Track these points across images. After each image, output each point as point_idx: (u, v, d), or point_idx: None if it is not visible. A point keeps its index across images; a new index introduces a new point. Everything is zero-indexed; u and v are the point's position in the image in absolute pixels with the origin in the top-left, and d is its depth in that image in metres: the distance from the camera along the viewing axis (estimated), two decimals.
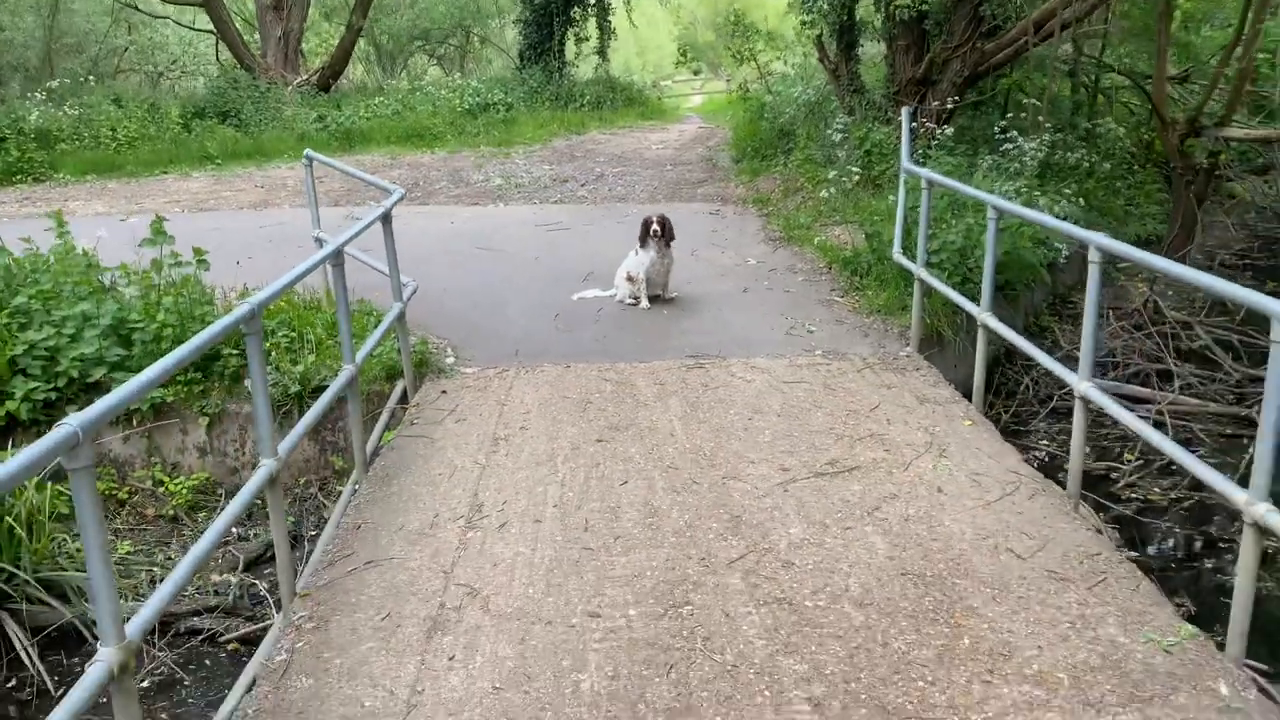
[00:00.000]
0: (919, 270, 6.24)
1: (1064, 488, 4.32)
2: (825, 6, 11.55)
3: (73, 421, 2.24)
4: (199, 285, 6.13)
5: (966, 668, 3.03)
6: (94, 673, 2.29)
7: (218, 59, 25.11)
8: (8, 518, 4.45)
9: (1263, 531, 2.95)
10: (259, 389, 3.44)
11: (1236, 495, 3.05)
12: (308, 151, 7.40)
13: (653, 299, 7.30)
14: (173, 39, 31.15)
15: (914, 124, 10.57)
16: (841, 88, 12.12)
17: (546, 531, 3.99)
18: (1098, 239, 4.01)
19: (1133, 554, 4.61)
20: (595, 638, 3.25)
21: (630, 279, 7.26)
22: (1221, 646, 3.13)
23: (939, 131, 10.40)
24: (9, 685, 4.31)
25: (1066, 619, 3.28)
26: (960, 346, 6.59)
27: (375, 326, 5.54)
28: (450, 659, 3.17)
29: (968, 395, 5.51)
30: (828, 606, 3.39)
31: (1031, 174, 9.65)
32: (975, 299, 5.51)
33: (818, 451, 4.69)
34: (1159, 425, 6.62)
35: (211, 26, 21.95)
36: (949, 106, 10.88)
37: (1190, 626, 3.22)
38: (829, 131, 10.87)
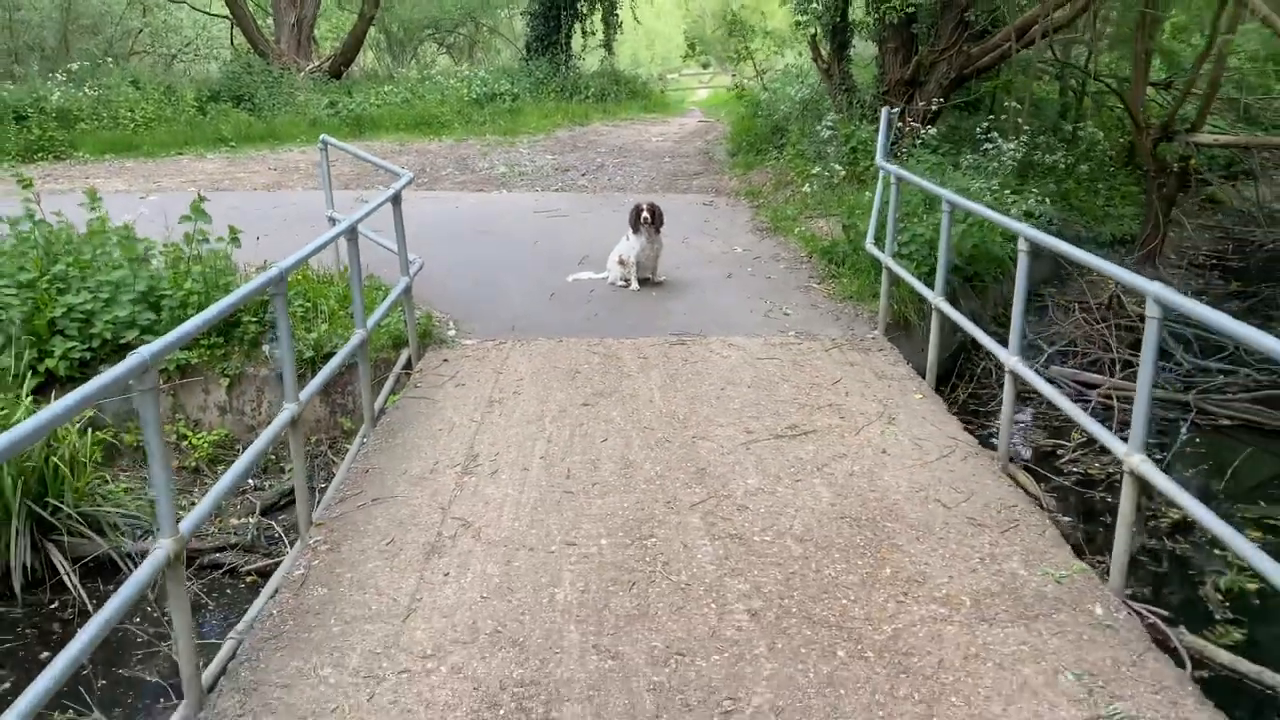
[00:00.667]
0: (887, 259, 6.75)
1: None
2: (819, 7, 12.02)
3: (143, 351, 2.77)
4: (227, 259, 6.65)
5: (885, 591, 3.56)
6: (154, 557, 2.81)
7: (232, 44, 25.61)
8: (54, 458, 4.98)
9: (1137, 478, 3.47)
10: (285, 342, 3.97)
11: (1117, 447, 3.58)
12: (323, 136, 7.92)
13: (642, 281, 7.82)
14: (186, 22, 31.63)
15: (901, 123, 11.11)
16: (834, 86, 12.61)
17: (533, 478, 4.52)
18: (1026, 230, 4.52)
19: (1059, 516, 5.13)
20: (570, 561, 3.78)
21: (622, 262, 7.78)
22: (1105, 579, 3.65)
23: (924, 131, 10.89)
24: (53, 606, 4.85)
25: (977, 555, 3.81)
26: (923, 330, 7.09)
27: (384, 299, 6.06)
28: (445, 575, 3.70)
29: (924, 374, 6.03)
30: (772, 541, 3.91)
31: (1008, 173, 10.12)
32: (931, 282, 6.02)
33: (780, 418, 5.21)
34: (1106, 407, 7.18)
35: (227, 11, 22.37)
36: (934, 107, 11.37)
37: (1081, 563, 3.75)
38: (819, 129, 11.36)
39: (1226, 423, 7.03)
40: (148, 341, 5.95)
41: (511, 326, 6.91)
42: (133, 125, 16.54)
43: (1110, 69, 13.93)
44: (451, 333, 6.78)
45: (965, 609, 3.44)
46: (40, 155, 15.16)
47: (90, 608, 4.78)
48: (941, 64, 11.67)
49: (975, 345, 8.08)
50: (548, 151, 15.26)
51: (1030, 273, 4.58)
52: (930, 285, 6.15)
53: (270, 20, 22.28)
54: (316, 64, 20.27)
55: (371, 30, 26.14)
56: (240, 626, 3.54)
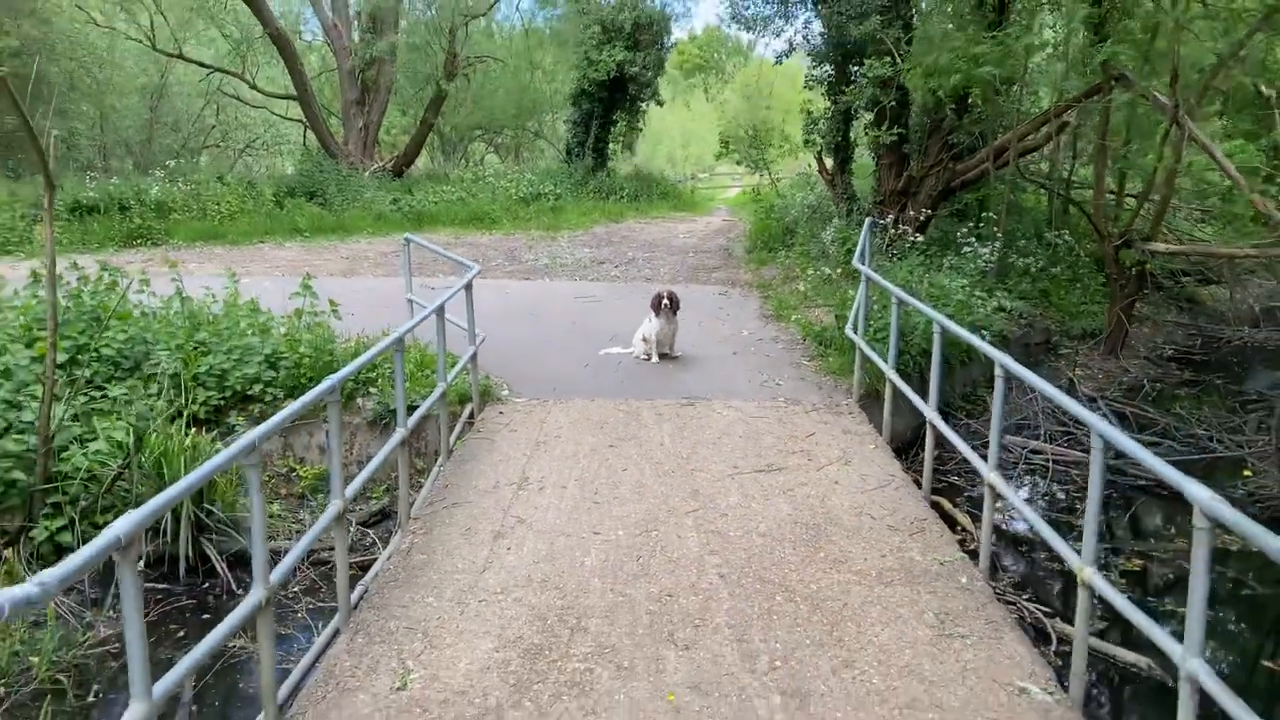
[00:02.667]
0: (860, 342, 8.33)
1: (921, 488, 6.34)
2: (824, 128, 13.89)
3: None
4: (329, 329, 8.37)
5: (817, 566, 5.05)
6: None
7: (305, 144, 28.10)
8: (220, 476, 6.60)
9: (993, 489, 4.97)
10: (400, 387, 5.61)
11: (981, 466, 5.08)
12: (407, 235, 9.74)
13: (661, 356, 9.44)
14: (257, 120, 34.55)
15: (895, 229, 12.82)
16: (837, 195, 14.41)
17: (570, 493, 6.07)
18: (940, 319, 6.10)
19: (965, 528, 6.58)
20: (596, 544, 5.31)
21: (644, 340, 9.43)
22: (977, 563, 5.12)
23: (913, 236, 12.58)
24: (205, 586, 6.41)
25: (888, 547, 5.29)
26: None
27: (452, 365, 7.70)
28: (507, 549, 5.24)
29: (882, 430, 7.55)
30: (742, 536, 5.42)
31: (983, 274, 11.74)
32: (907, 368, 7.58)
33: (760, 458, 6.74)
34: (1046, 469, 8.62)
35: (300, 114, 24.86)
36: (923, 216, 13.08)
37: (962, 554, 5.22)
38: (823, 233, 13.08)
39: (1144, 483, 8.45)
40: (273, 393, 7.67)
41: (553, 389, 8.53)
42: (219, 216, 18.70)
43: (1088, 182, 15.62)
44: (505, 392, 8.42)
45: (870, 577, 4.92)
46: (139, 241, 17.27)
47: (234, 587, 6.35)
48: (930, 178, 13.43)
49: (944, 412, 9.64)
50: (585, 245, 17.13)
51: (942, 350, 6.14)
52: (901, 365, 7.68)
53: (340, 123, 24.73)
54: (380, 164, 22.55)
55: None
56: (367, 578, 5.09)
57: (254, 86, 25.35)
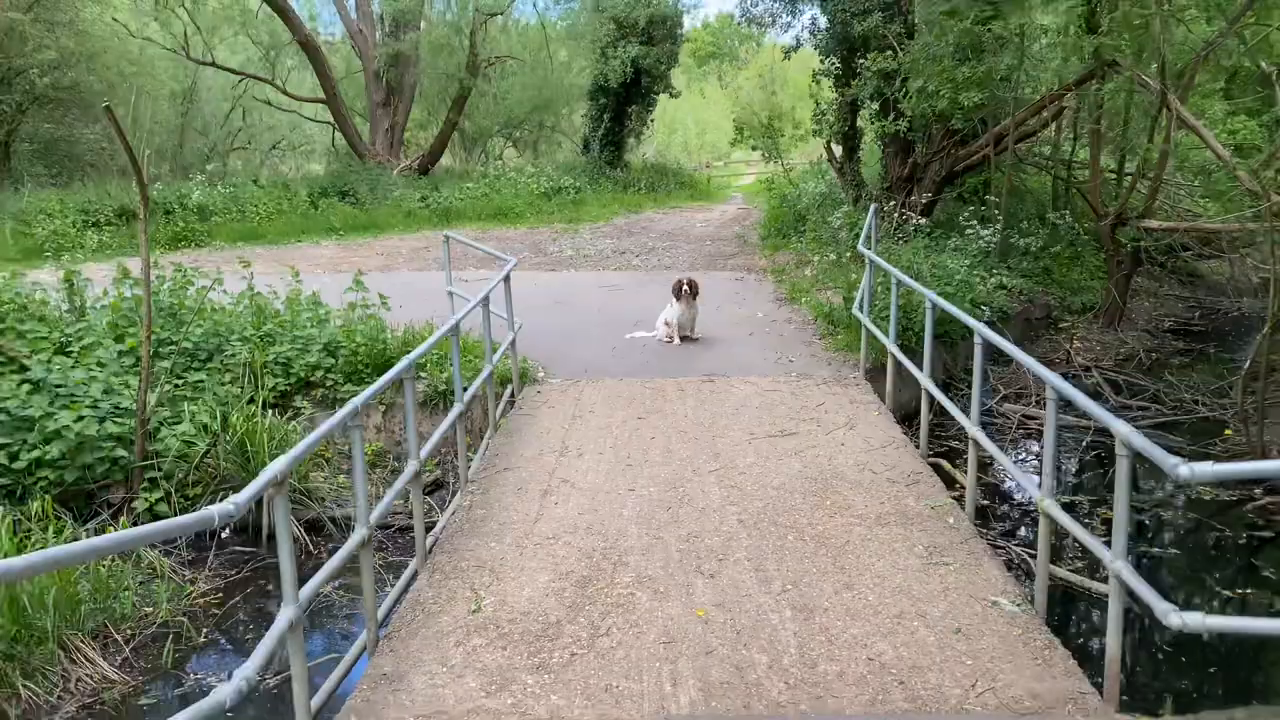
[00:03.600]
0: (865, 320, 9.07)
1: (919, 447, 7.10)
2: (832, 118, 14.59)
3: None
4: (380, 320, 9.21)
5: (823, 511, 5.82)
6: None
7: (333, 145, 29.02)
8: (285, 445, 7.45)
9: (975, 442, 5.72)
10: (456, 367, 6.41)
11: (965, 422, 5.84)
12: (447, 232, 10.56)
13: (683, 339, 10.22)
14: (283, 122, 35.52)
15: (900, 214, 13.52)
16: (845, 182, 15.11)
17: (605, 458, 6.88)
18: (931, 295, 6.84)
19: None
20: (631, 498, 6.11)
21: (666, 324, 10.21)
22: (964, 508, 5.88)
23: (917, 220, 13.28)
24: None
25: (886, 496, 6.06)
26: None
27: (493, 351, 8.50)
28: (554, 503, 6.05)
29: (885, 399, 8.30)
30: (758, 489, 6.20)
31: (985, 254, 12.44)
32: (910, 344, 8.32)
33: (774, 425, 7.52)
34: (1040, 434, 9.34)
35: (329, 117, 25.75)
36: (925, 200, 13.76)
37: (951, 500, 5.98)
38: (832, 219, 13.81)
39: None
40: (334, 379, 8.50)
41: (585, 370, 9.32)
42: (257, 218, 19.63)
43: (1088, 163, 16.22)
44: (541, 374, 9.22)
45: (869, 520, 5.69)
46: (183, 243, 18.21)
47: (312, 550, 7.20)
48: (934, 164, 14.12)
49: (948, 385, 10.38)
50: (607, 237, 17.91)
51: (933, 322, 6.89)
52: (906, 341, 8.42)
53: (366, 124, 25.60)
54: (407, 163, 23.41)
55: None
56: (436, 529, 5.92)
57: (284, 91, 26.20)
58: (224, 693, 3.06)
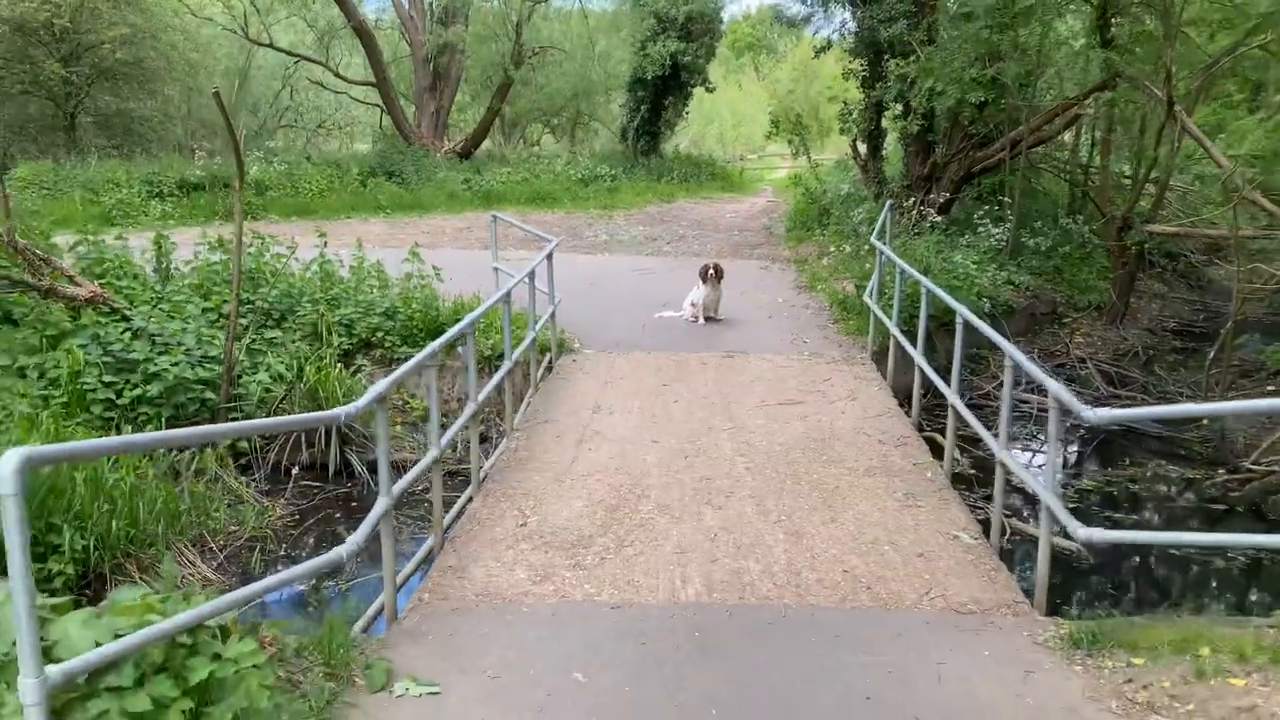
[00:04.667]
0: (874, 306, 9.95)
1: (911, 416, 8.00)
2: (857, 117, 15.41)
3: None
4: (433, 290, 10.20)
5: (819, 464, 6.74)
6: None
7: (380, 127, 30.13)
8: (352, 394, 8.46)
9: (954, 409, 6.61)
10: (506, 332, 7.38)
11: (946, 391, 6.73)
12: (493, 212, 11.53)
13: (707, 319, 11.13)
14: (330, 102, 36.68)
15: (919, 211, 14.33)
16: (869, 179, 15.93)
17: (633, 416, 7.82)
18: (925, 281, 7.72)
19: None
20: (654, 449, 7.05)
21: (693, 305, 11.13)
22: (941, 464, 6.78)
23: (934, 217, 14.09)
24: (349, 486, 8.29)
25: (875, 454, 6.96)
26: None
27: (535, 322, 9.47)
28: (588, 450, 7.01)
29: (887, 376, 9.19)
30: (765, 445, 7.13)
31: (995, 251, 13.23)
32: (914, 329, 9.18)
33: (784, 395, 8.43)
34: (1030, 415, 10.19)
35: (378, 100, 26.85)
36: (943, 198, 14.56)
37: (932, 459, 6.87)
38: (854, 214, 14.64)
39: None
40: (391, 340, 9.52)
41: (616, 343, 10.26)
42: (310, 194, 20.71)
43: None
44: (577, 345, 10.18)
45: (858, 472, 6.60)
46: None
47: (373, 486, 8.20)
48: (953, 164, 14.91)
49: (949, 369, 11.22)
50: (640, 224, 18.83)
51: (928, 304, 7.78)
52: (911, 328, 9.27)
53: (413, 107, 26.67)
54: (450, 146, 24.44)
55: None
56: (487, 465, 6.91)
57: (337, 74, 27.32)
58: (340, 552, 4.06)
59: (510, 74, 24.75)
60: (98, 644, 2.87)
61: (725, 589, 4.89)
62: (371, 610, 4.80)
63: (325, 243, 10.49)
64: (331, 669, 3.83)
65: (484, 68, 27.17)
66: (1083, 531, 4.27)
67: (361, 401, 4.24)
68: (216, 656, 3.18)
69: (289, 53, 27.05)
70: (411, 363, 5.15)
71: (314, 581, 6.35)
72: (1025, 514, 7.43)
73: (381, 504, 4.51)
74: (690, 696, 3.92)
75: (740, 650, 4.31)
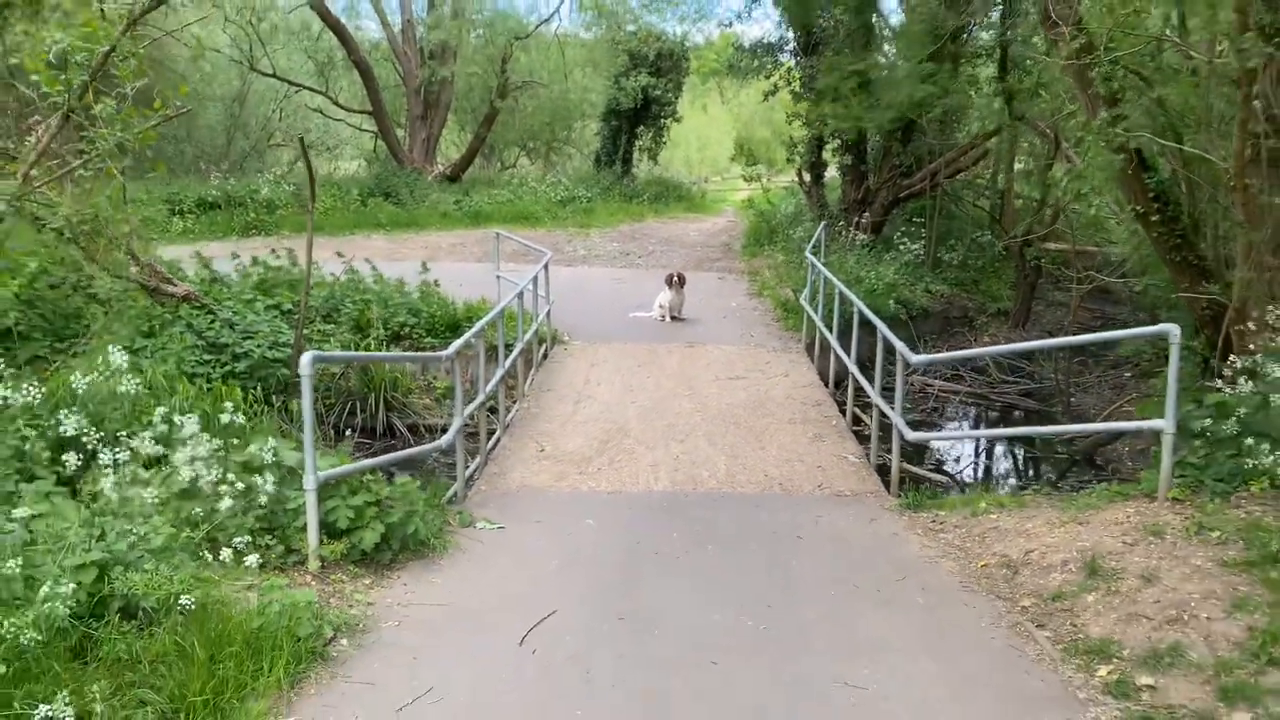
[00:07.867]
0: (807, 307, 12.41)
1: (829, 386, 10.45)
2: (803, 150, 17.95)
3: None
4: (444, 294, 12.52)
5: (756, 417, 9.14)
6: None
7: (375, 150, 32.30)
8: (401, 378, 10.75)
9: (852, 375, 9.05)
10: (520, 327, 9.73)
11: (846, 360, 9.17)
12: (497, 230, 13.87)
13: (673, 318, 13.52)
14: (318, 125, 38.75)
15: (851, 231, 16.86)
16: (812, 203, 18.47)
17: (615, 386, 10.18)
18: (838, 284, 10.17)
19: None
20: (632, 407, 9.41)
21: (661, 306, 13.53)
22: (844, 417, 9.20)
23: (865, 236, 16.63)
24: (392, 441, 10.55)
25: (798, 411, 9.37)
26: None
27: (533, 320, 11.78)
28: (583, 407, 9.37)
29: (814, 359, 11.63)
30: (717, 405, 9.51)
31: (912, 264, 15.78)
32: (842, 327, 11.67)
33: (733, 373, 10.84)
34: (939, 399, 12.70)
35: (371, 126, 29.06)
36: (875, 221, 17.11)
37: (840, 415, 9.30)
38: (795, 232, 17.14)
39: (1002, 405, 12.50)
40: (417, 333, 11.85)
41: (599, 336, 12.62)
42: (317, 212, 22.82)
43: (1017, 192, 19.60)
44: (567, 338, 12.53)
45: (783, 421, 9.01)
46: (254, 232, 21.40)
47: (413, 446, 10.48)
48: (883, 191, 17.48)
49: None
50: (613, 241, 21.23)
51: (859, 330, 10.24)
52: (836, 323, 11.74)
53: (405, 133, 28.94)
54: (440, 169, 26.72)
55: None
56: (509, 416, 9.23)
57: (337, 103, 29.51)
58: (439, 442, 6.39)
59: (496, 104, 27.10)
60: (332, 467, 5.20)
61: (684, 484, 7.28)
62: (448, 494, 7.11)
63: (350, 258, 12.78)
64: (441, 510, 6.16)
65: (471, 99, 29.51)
66: (912, 434, 6.70)
67: (453, 347, 6.58)
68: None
69: (292, 82, 29.16)
70: (477, 326, 7.55)
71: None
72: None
73: (457, 421, 6.84)
74: (661, 531, 6.28)
75: (694, 513, 6.68)
